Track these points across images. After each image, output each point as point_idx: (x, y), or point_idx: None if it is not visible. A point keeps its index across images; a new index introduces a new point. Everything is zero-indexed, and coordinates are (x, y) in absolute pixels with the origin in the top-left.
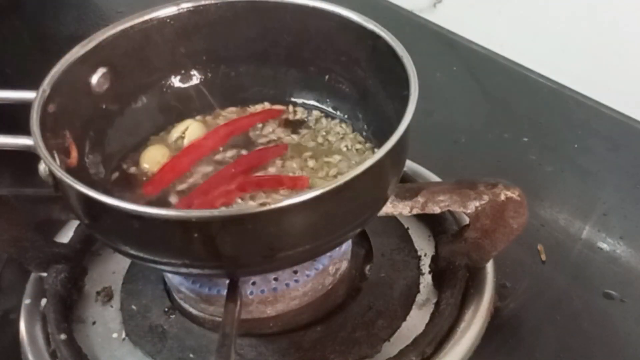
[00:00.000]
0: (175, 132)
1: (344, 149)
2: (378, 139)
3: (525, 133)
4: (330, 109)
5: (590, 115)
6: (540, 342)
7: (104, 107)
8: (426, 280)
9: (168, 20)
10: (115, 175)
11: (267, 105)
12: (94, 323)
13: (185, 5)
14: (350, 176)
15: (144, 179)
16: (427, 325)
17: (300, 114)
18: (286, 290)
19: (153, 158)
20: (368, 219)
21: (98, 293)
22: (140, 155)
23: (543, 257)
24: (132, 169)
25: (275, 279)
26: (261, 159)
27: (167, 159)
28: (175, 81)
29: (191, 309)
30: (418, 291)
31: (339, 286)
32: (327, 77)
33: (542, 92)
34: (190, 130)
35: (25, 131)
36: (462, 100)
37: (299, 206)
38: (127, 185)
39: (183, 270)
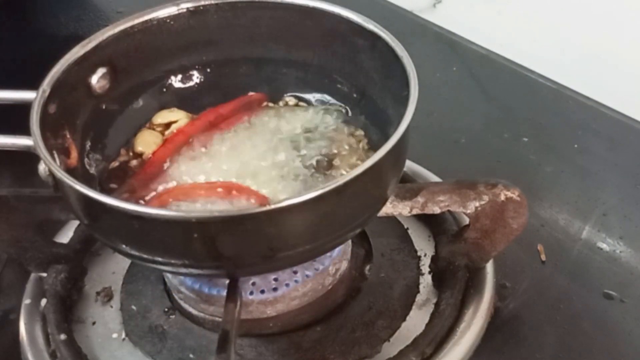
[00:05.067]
0: (160, 118)
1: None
2: (378, 139)
3: (525, 133)
4: (329, 108)
5: (590, 115)
6: (540, 342)
7: (104, 107)
8: (426, 280)
9: (168, 20)
10: (114, 165)
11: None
12: (94, 323)
13: (185, 5)
14: (350, 176)
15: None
16: (427, 325)
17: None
18: (286, 291)
19: (147, 141)
20: (368, 219)
21: (98, 293)
22: (135, 140)
23: (543, 257)
24: (131, 161)
25: (275, 279)
26: (236, 108)
27: (161, 141)
28: (175, 81)
29: (191, 309)
30: (418, 291)
31: (339, 286)
32: (327, 77)
33: (542, 92)
34: (179, 123)
35: (25, 131)
36: (462, 100)
37: (299, 206)
38: (123, 177)
39: (183, 270)
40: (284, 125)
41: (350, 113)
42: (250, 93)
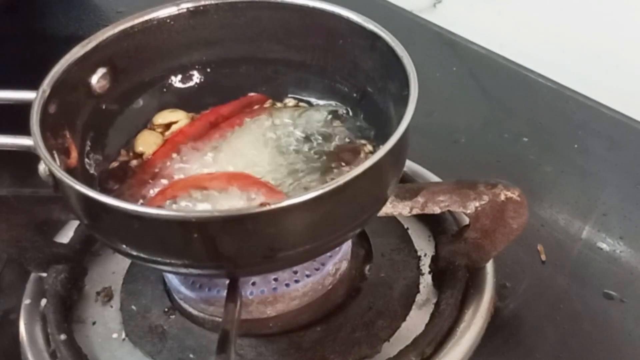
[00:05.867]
0: (161, 118)
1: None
2: (378, 139)
3: (525, 133)
4: (329, 108)
5: (590, 115)
6: (540, 342)
7: (104, 107)
8: (426, 280)
9: (168, 20)
10: (114, 165)
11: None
12: (94, 323)
13: (185, 5)
14: (350, 176)
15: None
16: (427, 325)
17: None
18: (286, 291)
19: (148, 141)
20: (368, 219)
21: (98, 293)
22: (135, 140)
23: (543, 257)
24: (131, 161)
25: (275, 279)
26: (237, 108)
27: (161, 141)
28: (175, 81)
29: (191, 309)
30: (418, 291)
31: (339, 286)
32: (326, 77)
33: (542, 92)
34: (179, 124)
35: (25, 131)
36: (462, 100)
37: (299, 206)
38: (123, 177)
39: (183, 270)
40: (285, 126)
41: (350, 113)
42: (251, 94)
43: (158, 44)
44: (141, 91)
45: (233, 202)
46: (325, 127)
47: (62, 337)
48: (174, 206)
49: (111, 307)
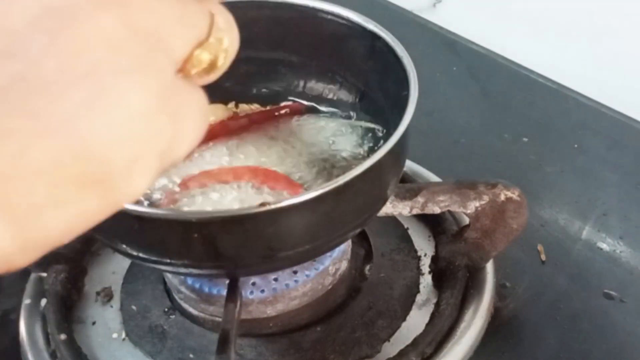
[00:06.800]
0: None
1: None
2: (378, 139)
3: (525, 133)
4: (329, 109)
5: (590, 115)
6: (540, 342)
7: None
8: (426, 280)
9: None
10: None
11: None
12: (94, 323)
13: None
14: (350, 176)
15: None
16: (427, 325)
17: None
18: (286, 291)
19: (216, 113)
20: (368, 219)
21: (98, 293)
22: None
23: (543, 257)
24: None
25: (275, 279)
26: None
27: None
28: None
29: (191, 309)
30: (418, 291)
31: (339, 286)
32: (326, 77)
33: (542, 92)
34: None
35: None
36: (462, 100)
37: (299, 206)
38: None
39: (183, 270)
40: (298, 131)
41: (350, 113)
42: (285, 103)
43: None
44: None
45: (251, 197)
46: (325, 127)
47: (62, 337)
48: (200, 197)
49: (111, 307)
